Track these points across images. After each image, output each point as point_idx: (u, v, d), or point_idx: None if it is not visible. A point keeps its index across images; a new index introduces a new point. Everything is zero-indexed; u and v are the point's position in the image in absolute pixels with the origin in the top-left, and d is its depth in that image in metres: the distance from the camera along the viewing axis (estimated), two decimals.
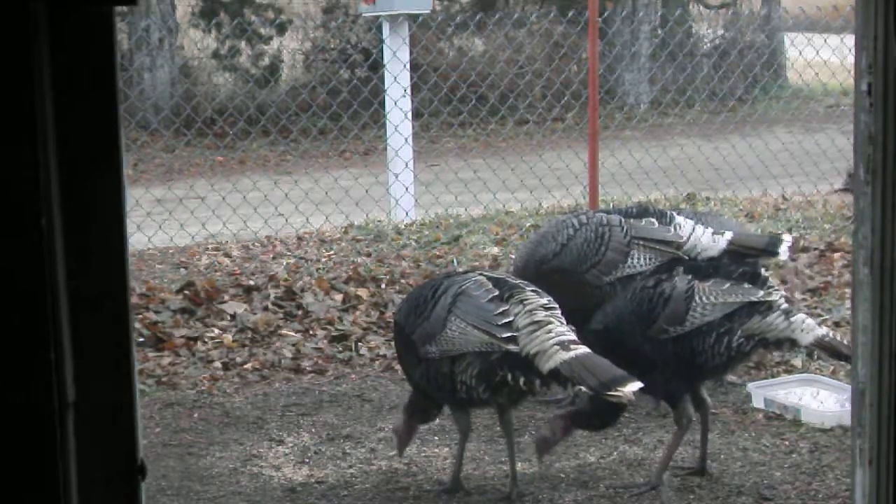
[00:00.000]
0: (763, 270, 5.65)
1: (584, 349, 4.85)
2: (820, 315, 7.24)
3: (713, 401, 6.04)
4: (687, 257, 5.75)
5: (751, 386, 6.15)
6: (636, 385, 4.70)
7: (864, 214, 2.06)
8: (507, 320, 4.90)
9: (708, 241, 5.81)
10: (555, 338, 4.85)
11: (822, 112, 15.89)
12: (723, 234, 5.86)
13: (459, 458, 5.20)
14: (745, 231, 6.63)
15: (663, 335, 5.13)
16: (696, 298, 5.13)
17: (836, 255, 8.55)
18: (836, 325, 7.08)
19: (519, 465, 5.29)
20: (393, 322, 5.54)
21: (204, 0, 16.75)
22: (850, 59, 2.21)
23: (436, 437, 5.69)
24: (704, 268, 5.32)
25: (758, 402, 5.99)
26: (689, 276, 5.21)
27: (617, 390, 4.70)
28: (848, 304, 7.11)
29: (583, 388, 4.84)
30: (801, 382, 6.13)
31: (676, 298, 5.14)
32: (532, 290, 5.06)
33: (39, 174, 1.49)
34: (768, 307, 5.11)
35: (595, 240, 5.88)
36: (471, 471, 5.36)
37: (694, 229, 5.84)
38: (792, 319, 5.11)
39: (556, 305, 5.02)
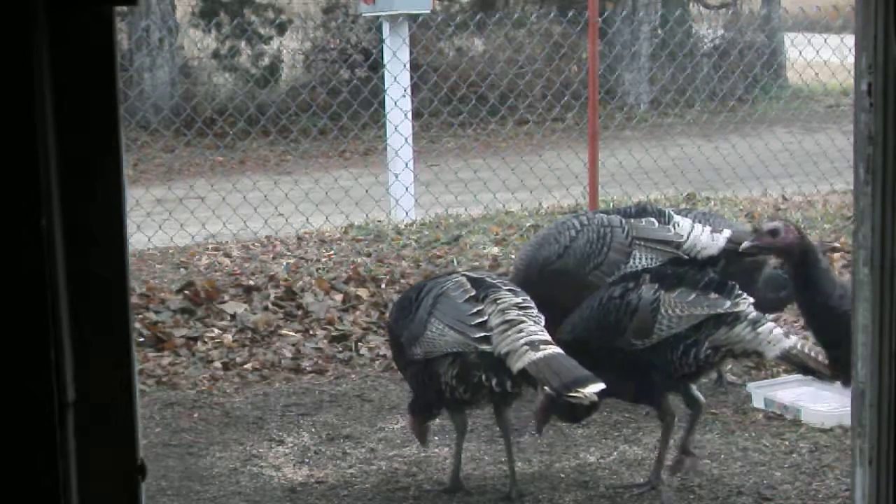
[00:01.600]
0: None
1: (553, 349, 4.84)
2: None
3: (713, 400, 6.05)
4: (686, 256, 5.74)
5: (751, 386, 6.15)
6: (598, 386, 4.70)
7: (864, 214, 2.05)
8: (480, 320, 4.90)
9: (707, 239, 5.81)
10: (525, 337, 4.84)
11: (822, 112, 15.90)
12: (721, 231, 5.86)
13: (458, 457, 5.20)
14: (743, 229, 6.63)
15: (631, 347, 5.09)
16: (662, 310, 5.06)
17: (836, 255, 8.55)
18: None
19: (519, 465, 5.29)
20: (386, 325, 5.55)
21: (204, 0, 16.75)
22: (850, 59, 2.21)
23: (436, 437, 5.69)
24: (670, 276, 5.23)
25: (758, 402, 5.99)
26: (656, 286, 5.13)
27: (577, 391, 4.70)
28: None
29: (546, 389, 4.85)
30: (801, 382, 6.12)
31: (643, 310, 5.08)
32: (508, 289, 5.05)
33: (39, 174, 1.49)
34: (735, 318, 5.03)
35: (597, 241, 5.88)
36: (471, 471, 5.36)
37: (693, 228, 5.84)
38: (759, 330, 5.01)
39: (532, 304, 5.02)
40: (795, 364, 5.11)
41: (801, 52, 12.75)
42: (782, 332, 5.08)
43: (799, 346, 5.04)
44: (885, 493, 2.06)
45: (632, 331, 5.08)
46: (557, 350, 4.85)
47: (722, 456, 5.45)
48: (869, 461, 2.07)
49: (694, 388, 5.22)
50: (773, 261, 6.09)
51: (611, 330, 5.11)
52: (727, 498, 5.07)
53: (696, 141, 12.58)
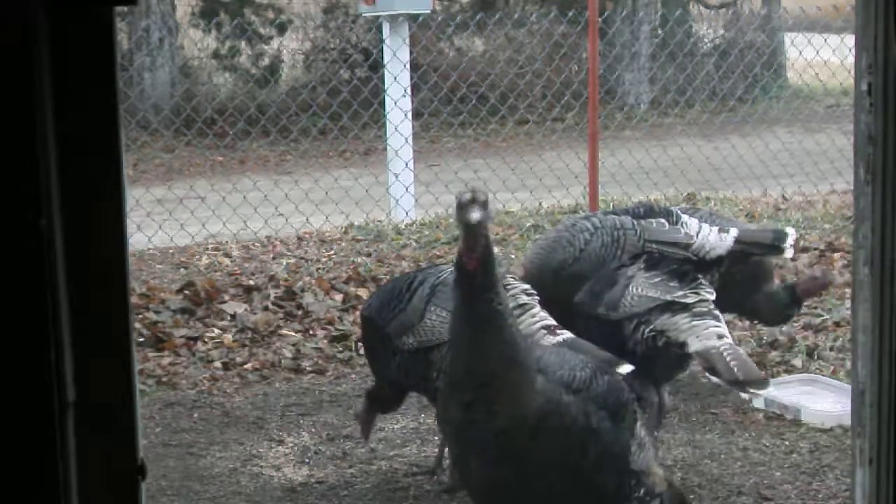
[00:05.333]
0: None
1: (569, 334, 4.88)
2: (819, 315, 7.24)
3: (713, 400, 6.05)
4: (695, 257, 5.71)
5: None
6: (626, 367, 4.70)
7: (864, 214, 2.05)
8: None
9: (715, 239, 5.79)
10: (541, 321, 4.87)
11: (822, 112, 15.89)
12: (728, 231, 5.84)
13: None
14: (750, 227, 6.62)
15: (604, 317, 5.25)
16: (631, 287, 5.23)
17: (836, 255, 8.55)
18: (837, 325, 7.08)
19: None
20: (361, 317, 5.49)
21: (204, 0, 16.75)
22: (850, 59, 2.21)
23: (436, 438, 5.68)
24: (656, 259, 5.38)
25: (758, 402, 5.98)
26: (643, 265, 5.31)
27: None
28: (848, 304, 7.11)
29: None
30: (801, 382, 6.12)
31: (620, 284, 5.28)
32: (510, 276, 5.09)
33: (39, 174, 1.49)
34: (682, 307, 5.09)
35: (612, 244, 5.83)
36: None
37: (701, 228, 5.81)
38: (694, 323, 5.03)
39: (535, 292, 5.04)
40: (705, 363, 5.03)
41: (801, 52, 12.75)
42: (717, 332, 5.05)
43: (720, 350, 4.96)
44: (885, 493, 2.06)
45: (605, 301, 5.28)
46: (573, 335, 4.88)
47: (722, 456, 5.45)
48: (869, 461, 2.07)
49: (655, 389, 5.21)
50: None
51: (594, 296, 5.34)
52: (727, 498, 5.06)
53: (696, 141, 12.58)
